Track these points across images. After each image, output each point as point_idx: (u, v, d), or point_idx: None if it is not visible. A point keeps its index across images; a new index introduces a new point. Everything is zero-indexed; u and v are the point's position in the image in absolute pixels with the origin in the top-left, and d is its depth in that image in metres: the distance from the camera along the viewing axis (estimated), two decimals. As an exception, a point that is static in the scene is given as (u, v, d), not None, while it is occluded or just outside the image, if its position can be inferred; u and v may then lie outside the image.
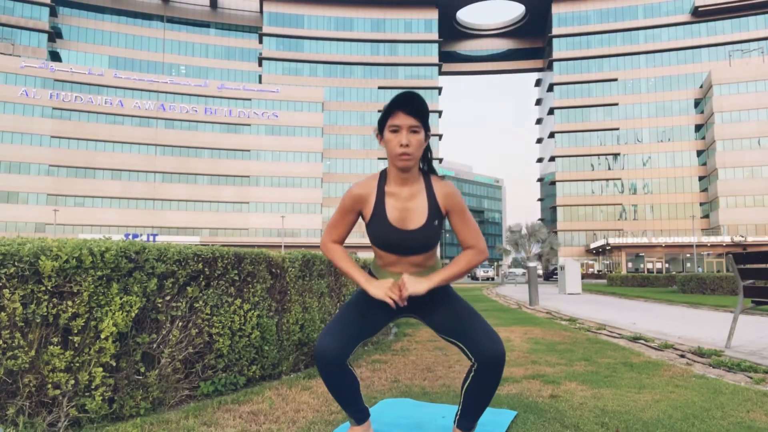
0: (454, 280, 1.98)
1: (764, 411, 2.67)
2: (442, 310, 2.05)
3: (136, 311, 2.58)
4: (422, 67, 73.28)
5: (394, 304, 1.90)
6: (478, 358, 1.94)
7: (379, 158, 69.74)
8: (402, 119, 1.89)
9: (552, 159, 73.99)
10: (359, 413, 2.10)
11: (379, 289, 1.91)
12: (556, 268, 47.63)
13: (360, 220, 2.08)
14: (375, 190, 1.98)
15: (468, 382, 2.00)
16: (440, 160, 68.79)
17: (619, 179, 69.15)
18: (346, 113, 71.28)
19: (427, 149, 2.03)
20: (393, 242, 1.96)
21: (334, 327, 1.98)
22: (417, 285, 1.90)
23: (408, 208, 1.96)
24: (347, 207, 2.00)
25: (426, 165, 2.06)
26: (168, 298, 2.81)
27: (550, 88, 73.95)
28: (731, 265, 5.16)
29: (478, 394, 2.00)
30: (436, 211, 1.96)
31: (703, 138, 66.59)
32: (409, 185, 1.98)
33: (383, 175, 2.02)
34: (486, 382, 1.96)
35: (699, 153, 66.97)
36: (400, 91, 1.90)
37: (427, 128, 1.95)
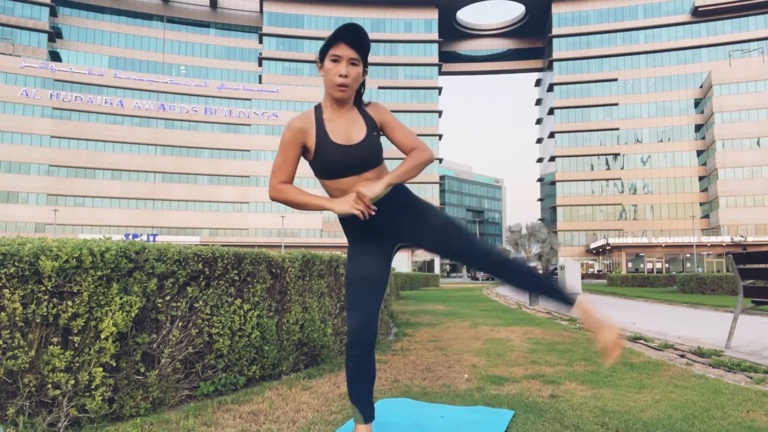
0: (406, 177, 2.01)
1: (764, 411, 2.67)
2: (425, 224, 2.08)
3: (136, 311, 2.58)
4: (422, 67, 73.30)
5: (362, 215, 1.91)
6: (496, 271, 2.07)
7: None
8: (343, 50, 1.94)
9: (552, 159, 74.00)
10: (369, 410, 2.12)
11: (344, 204, 1.93)
12: (556, 268, 47.61)
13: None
14: (314, 121, 2.02)
15: (522, 284, 2.11)
16: (440, 160, 68.80)
17: (619, 179, 69.16)
18: (346, 113, 71.25)
19: (362, 85, 2.09)
20: (341, 161, 1.99)
21: (349, 307, 2.06)
22: (373, 188, 1.92)
23: (348, 129, 2.02)
24: (289, 140, 2.00)
25: (357, 99, 2.12)
26: (168, 298, 2.81)
27: (550, 88, 73.96)
28: (731, 265, 5.16)
29: (535, 283, 2.09)
30: (372, 125, 2.05)
31: (703, 138, 66.59)
32: (345, 112, 2.05)
33: (318, 108, 2.07)
34: (524, 273, 2.07)
35: (699, 153, 66.98)
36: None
37: (365, 63, 2.01)
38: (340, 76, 1.94)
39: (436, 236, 2.08)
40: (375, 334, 2.04)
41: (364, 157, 2.01)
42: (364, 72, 2.03)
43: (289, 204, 2.01)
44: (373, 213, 1.93)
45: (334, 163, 1.99)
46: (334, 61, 1.95)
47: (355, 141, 2.00)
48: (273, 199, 2.05)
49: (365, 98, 2.17)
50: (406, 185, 2.14)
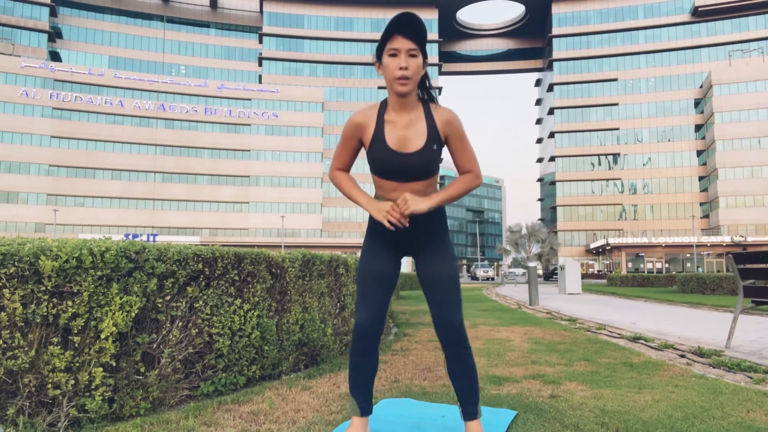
0: (452, 200, 2.02)
1: (764, 411, 2.67)
2: (433, 259, 2.08)
3: (136, 311, 2.58)
4: (422, 67, 73.26)
5: (392, 226, 1.93)
6: (437, 332, 2.07)
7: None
8: (400, 42, 1.88)
9: (552, 159, 73.99)
10: (366, 404, 2.12)
11: (379, 211, 1.95)
12: (556, 268, 47.62)
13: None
14: (374, 118, 2.00)
15: (445, 365, 2.12)
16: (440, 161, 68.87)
17: (619, 179, 69.17)
18: (346, 113, 71.27)
19: (425, 77, 2.03)
20: (392, 167, 1.97)
21: (360, 302, 2.07)
22: (418, 203, 1.92)
23: (407, 135, 1.96)
24: (348, 134, 2.04)
25: (425, 93, 2.06)
26: (168, 298, 2.81)
27: (550, 88, 73.97)
28: (731, 265, 5.16)
29: (458, 375, 2.07)
30: (435, 136, 1.97)
31: (703, 138, 66.60)
32: (408, 112, 1.99)
33: (383, 105, 2.03)
34: (454, 359, 2.05)
35: (699, 153, 66.99)
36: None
37: (425, 54, 1.95)
38: (400, 68, 1.88)
39: (431, 276, 2.07)
40: (381, 330, 2.07)
41: (415, 168, 1.97)
42: (425, 63, 1.96)
43: (338, 189, 2.11)
44: (406, 226, 1.95)
45: (384, 165, 1.97)
46: (392, 55, 1.90)
47: (409, 149, 1.96)
48: (330, 179, 2.15)
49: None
50: (445, 208, 2.14)
